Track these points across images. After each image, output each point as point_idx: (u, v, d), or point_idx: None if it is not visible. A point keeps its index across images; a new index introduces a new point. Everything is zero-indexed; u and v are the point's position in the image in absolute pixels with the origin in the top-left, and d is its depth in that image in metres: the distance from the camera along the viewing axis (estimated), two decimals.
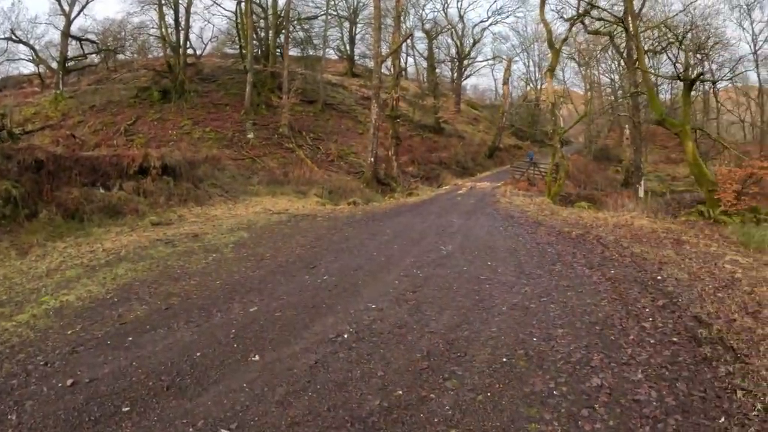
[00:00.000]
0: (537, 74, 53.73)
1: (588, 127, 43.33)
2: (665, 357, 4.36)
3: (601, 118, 38.36)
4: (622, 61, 46.52)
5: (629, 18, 17.14)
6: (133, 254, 8.30)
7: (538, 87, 54.42)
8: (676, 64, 16.34)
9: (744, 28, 56.01)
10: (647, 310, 5.60)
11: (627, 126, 35.26)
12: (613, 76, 49.86)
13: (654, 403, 3.57)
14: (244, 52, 33.61)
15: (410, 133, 36.52)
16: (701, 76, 16.13)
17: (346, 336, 4.77)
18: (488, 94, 64.68)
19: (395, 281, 6.65)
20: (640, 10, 20.47)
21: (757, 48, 36.15)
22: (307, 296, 6.07)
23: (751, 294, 6.22)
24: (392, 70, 28.78)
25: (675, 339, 4.73)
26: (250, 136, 27.87)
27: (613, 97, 50.94)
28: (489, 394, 3.70)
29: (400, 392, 3.70)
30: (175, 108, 29.87)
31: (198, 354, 4.39)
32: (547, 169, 26.79)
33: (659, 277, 6.97)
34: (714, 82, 21.53)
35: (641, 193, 27.41)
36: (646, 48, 25.06)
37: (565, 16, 21.69)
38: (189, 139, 26.88)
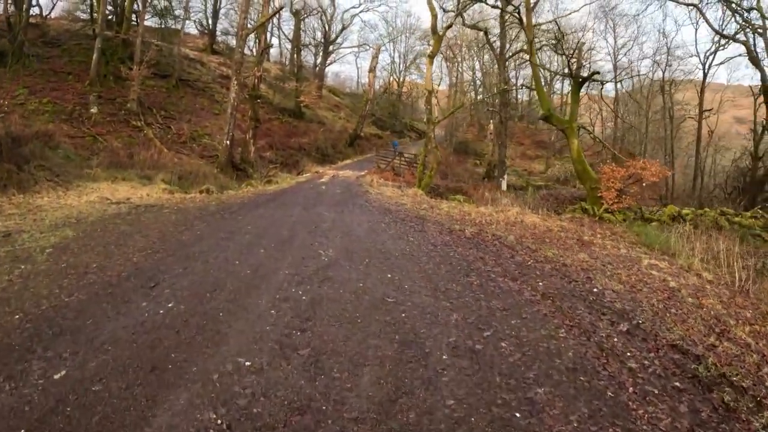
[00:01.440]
0: (402, 66, 53.53)
1: (449, 120, 43.99)
2: (687, 416, 3.18)
3: (463, 113, 38.99)
4: (484, 59, 48.59)
5: (524, 10, 16.34)
6: None
7: (401, 78, 54.45)
8: (570, 62, 15.81)
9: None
10: (617, 340, 4.35)
11: (491, 121, 36.13)
12: (475, 73, 51.68)
13: None
14: (95, 15, 27.83)
15: (269, 116, 33.74)
16: (594, 76, 15.86)
17: None
18: (349, 83, 63.36)
19: (272, 311, 4.44)
20: (536, 4, 19.84)
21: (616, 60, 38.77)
22: (143, 345, 3.73)
23: (701, 308, 5.54)
24: (258, 45, 25.44)
25: (677, 384, 3.63)
26: (93, 110, 23.27)
27: (473, 93, 53.02)
28: None
29: None
30: (10, 74, 24.02)
31: None
32: (417, 160, 25.93)
33: (595, 290, 5.85)
34: (603, 84, 22.03)
35: (504, 186, 27.86)
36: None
37: (445, 7, 20.52)
38: (22, 111, 21.71)
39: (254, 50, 26.63)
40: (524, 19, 16.44)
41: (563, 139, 51.91)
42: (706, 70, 32.13)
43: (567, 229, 10.93)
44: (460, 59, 48.31)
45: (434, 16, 17.09)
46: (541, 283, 5.89)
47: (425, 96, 18.31)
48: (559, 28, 18.75)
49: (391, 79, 54.61)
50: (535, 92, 48.80)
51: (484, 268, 6.34)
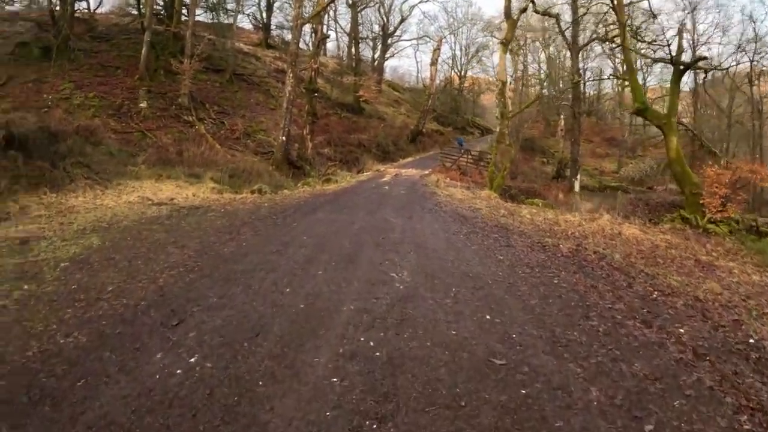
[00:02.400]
0: (463, 59, 51.50)
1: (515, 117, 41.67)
2: None
3: (531, 107, 36.75)
4: (549, 50, 45.82)
5: None
6: None
7: (462, 72, 52.42)
8: (669, 47, 13.69)
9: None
10: None
11: (561, 116, 33.77)
12: (540, 66, 48.95)
13: None
14: (143, 9, 27.86)
15: (327, 111, 32.85)
16: (699, 61, 13.66)
17: None
18: (408, 78, 61.69)
19: (333, 378, 3.14)
20: None
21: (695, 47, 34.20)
22: None
23: None
24: (314, 37, 24.56)
25: None
26: (143, 105, 22.78)
27: (538, 87, 50.27)
28: None
29: None
30: (56, 68, 24.05)
31: None
32: (484, 158, 24.25)
33: (751, 340, 4.35)
34: (706, 72, 19.33)
35: (577, 187, 25.77)
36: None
37: None
38: (67, 106, 21.64)
39: (310, 43, 25.66)
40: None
41: (637, 135, 48.50)
42: None
43: (675, 244, 9.17)
44: (525, 51, 45.78)
45: None
46: (682, 330, 4.40)
47: (498, 88, 16.69)
48: (651, 9, 16.56)
49: (452, 73, 52.65)
50: (619, 83, 45.52)
51: (602, 305, 4.86)
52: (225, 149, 21.57)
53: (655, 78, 48.90)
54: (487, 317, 4.12)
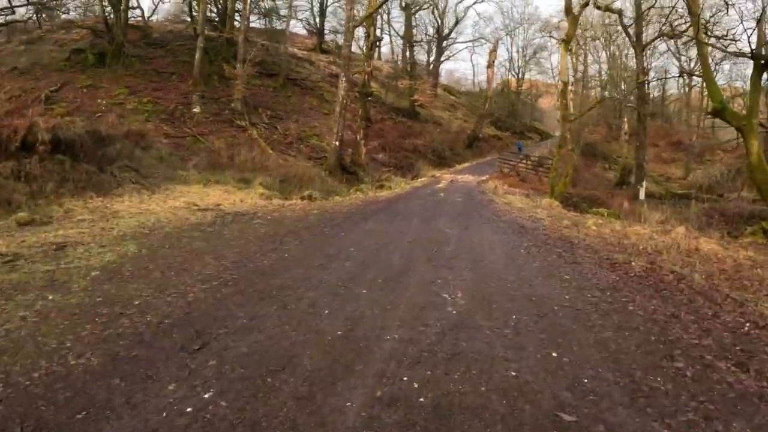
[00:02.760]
0: (521, 61, 50.13)
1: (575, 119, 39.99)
2: None
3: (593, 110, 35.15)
4: (610, 49, 43.65)
5: None
6: None
7: (520, 75, 51.05)
8: (749, 40, 12.46)
9: None
10: None
11: (626, 119, 32.09)
12: (601, 66, 46.84)
13: None
14: (195, 15, 28.73)
15: (382, 116, 32.65)
16: None
17: None
18: (464, 81, 60.79)
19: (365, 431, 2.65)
20: None
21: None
22: None
23: None
24: (367, 39, 24.49)
25: None
26: (196, 110, 23.31)
27: (599, 89, 48.09)
28: None
29: None
30: (110, 74, 25.00)
31: None
32: (544, 163, 23.33)
33: None
34: None
35: (642, 195, 24.36)
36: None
37: None
38: (120, 111, 22.27)
39: (363, 47, 25.49)
40: None
41: (705, 139, 45.38)
42: None
43: (761, 263, 8.18)
44: (584, 50, 43.91)
45: None
46: None
47: (559, 89, 15.85)
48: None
49: (510, 76, 51.43)
50: (686, 82, 42.63)
51: (687, 340, 4.23)
52: (277, 154, 21.69)
53: (724, 77, 45.51)
54: (554, 354, 3.60)
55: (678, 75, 28.42)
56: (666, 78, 35.67)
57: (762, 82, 12.66)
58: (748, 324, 4.80)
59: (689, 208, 13.54)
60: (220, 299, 4.63)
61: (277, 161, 19.49)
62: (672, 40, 33.78)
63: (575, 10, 15.11)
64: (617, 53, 44.06)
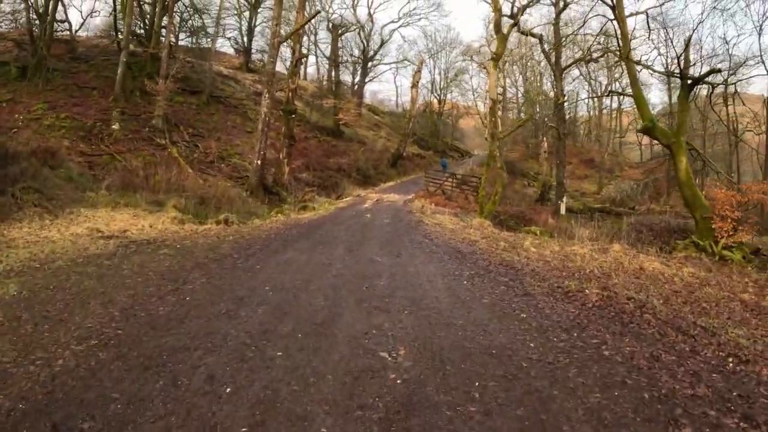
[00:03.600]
0: (442, 83, 50.93)
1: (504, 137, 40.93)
2: None
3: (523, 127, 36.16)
4: (526, 74, 45.42)
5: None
6: None
7: (442, 97, 51.91)
8: (679, 59, 12.58)
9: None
10: None
11: (545, 138, 33.03)
12: (518, 89, 48.64)
13: None
14: (120, 28, 26.83)
15: (306, 134, 31.62)
16: (711, 74, 12.42)
17: None
18: (387, 103, 60.83)
19: None
20: None
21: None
22: None
23: None
24: (292, 55, 23.31)
25: None
26: (115, 127, 21.72)
27: (516, 111, 49.92)
28: None
29: None
30: (32, 88, 23.21)
31: None
32: (468, 181, 23.12)
33: None
34: (714, 87, 18.03)
35: (563, 210, 24.83)
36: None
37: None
38: (37, 127, 20.47)
39: (291, 57, 24.46)
40: (616, 8, 13.34)
41: (615, 156, 48.26)
42: None
43: (705, 280, 7.88)
44: (503, 75, 45.24)
45: (498, 11, 14.33)
46: None
47: (488, 106, 15.54)
48: (664, 20, 15.66)
49: (432, 97, 52.08)
50: (596, 104, 45.06)
51: (681, 391, 3.41)
52: (197, 173, 20.29)
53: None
54: None
55: (607, 94, 29.62)
56: (597, 97, 37.26)
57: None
58: (730, 359, 4.19)
59: (614, 223, 13.41)
60: (94, 369, 3.39)
61: (196, 181, 17.89)
62: (585, 66, 35.57)
63: (504, 29, 14.86)
64: (532, 78, 45.99)
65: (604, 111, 47.05)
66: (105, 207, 11.97)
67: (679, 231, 12.81)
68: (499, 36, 14.77)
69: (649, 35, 18.06)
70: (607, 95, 19.96)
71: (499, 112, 18.83)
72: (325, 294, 5.42)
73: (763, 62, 25.46)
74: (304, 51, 29.95)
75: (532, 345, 4.08)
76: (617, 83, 40.96)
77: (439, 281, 6.23)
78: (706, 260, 10.15)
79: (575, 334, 4.45)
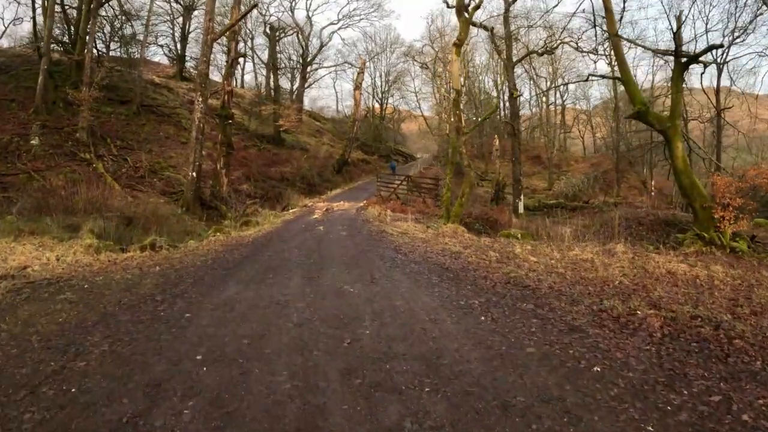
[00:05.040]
0: (384, 86, 49.57)
1: (444, 138, 39.96)
2: None
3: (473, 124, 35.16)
4: (468, 70, 44.78)
5: None
6: None
7: (383, 101, 50.58)
8: (675, 37, 11.27)
9: None
10: None
11: (496, 136, 32.14)
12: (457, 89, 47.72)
13: None
14: (39, 31, 23.91)
15: (245, 143, 29.41)
16: (711, 50, 11.23)
17: None
18: (327, 111, 58.66)
19: None
20: None
21: None
22: None
23: None
24: (228, 54, 20.98)
25: None
26: (34, 142, 19.10)
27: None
28: None
29: None
30: None
31: None
32: (433, 183, 21.73)
33: None
34: (706, 66, 16.90)
35: (521, 209, 23.86)
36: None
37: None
38: None
39: (227, 56, 22.19)
40: None
41: (561, 151, 48.42)
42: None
43: (745, 279, 6.57)
44: (443, 74, 44.21)
45: None
46: None
47: (452, 98, 13.98)
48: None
49: (373, 101, 50.60)
50: (543, 101, 44.70)
51: None
52: (126, 190, 17.85)
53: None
54: None
55: (591, 78, 27.04)
56: (579, 81, 35.70)
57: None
58: None
59: (614, 221, 12.06)
60: None
61: (124, 199, 15.48)
62: (530, 62, 35.03)
63: (468, 13, 13.29)
64: (473, 76, 45.33)
65: (549, 107, 47.11)
66: (8, 236, 9.67)
67: (670, 223, 11.74)
68: (462, 20, 13.19)
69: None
70: (586, 80, 18.57)
71: (462, 105, 17.44)
72: (289, 362, 3.51)
73: None
74: (241, 51, 27.39)
75: (651, 430, 2.42)
76: (562, 78, 41.08)
77: (446, 320, 4.46)
78: (719, 254, 8.98)
79: (683, 390, 2.88)
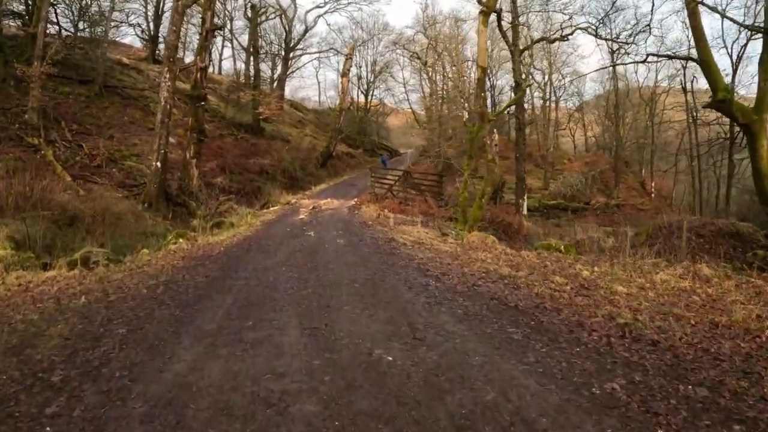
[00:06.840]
0: (370, 77, 47.05)
1: (434, 132, 37.77)
2: None
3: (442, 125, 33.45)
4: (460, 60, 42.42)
5: None
6: None
7: (369, 93, 48.11)
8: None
9: None
10: None
11: (495, 131, 30.10)
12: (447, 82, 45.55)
13: None
14: None
15: (221, 131, 26.77)
16: None
17: None
18: (308, 102, 55.69)
19: None
20: None
21: None
22: None
23: None
24: (202, 25, 18.24)
25: None
26: None
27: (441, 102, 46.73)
28: None
29: None
30: None
31: None
32: (435, 180, 19.71)
33: None
34: None
35: (525, 210, 22.01)
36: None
37: None
38: None
39: (201, 29, 19.48)
40: None
41: (555, 148, 46.68)
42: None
43: None
44: (434, 67, 41.85)
45: None
46: None
47: (477, 78, 11.67)
48: None
49: (358, 94, 48.10)
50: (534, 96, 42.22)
51: None
52: (78, 181, 15.24)
53: None
54: None
55: (669, 57, 20.64)
56: (635, 62, 32.22)
57: None
58: None
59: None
60: None
61: (73, 192, 12.99)
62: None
63: None
64: (463, 69, 43.07)
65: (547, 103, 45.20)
66: None
67: (734, 236, 9.75)
68: None
69: None
70: (643, 61, 15.38)
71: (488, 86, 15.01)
72: None
73: None
74: (218, 24, 24.52)
75: None
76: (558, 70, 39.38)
77: None
78: None
79: None
